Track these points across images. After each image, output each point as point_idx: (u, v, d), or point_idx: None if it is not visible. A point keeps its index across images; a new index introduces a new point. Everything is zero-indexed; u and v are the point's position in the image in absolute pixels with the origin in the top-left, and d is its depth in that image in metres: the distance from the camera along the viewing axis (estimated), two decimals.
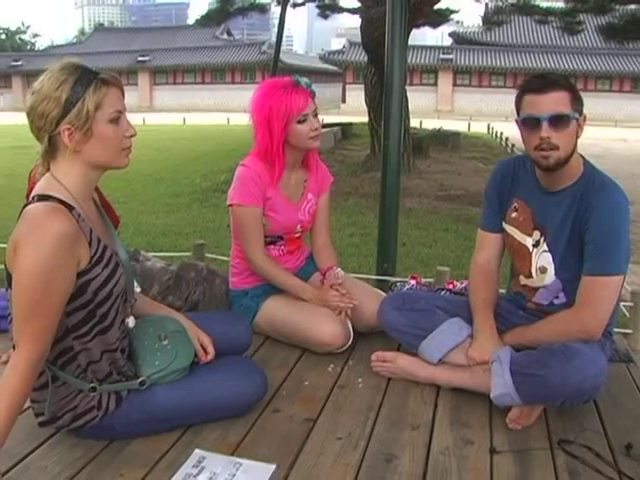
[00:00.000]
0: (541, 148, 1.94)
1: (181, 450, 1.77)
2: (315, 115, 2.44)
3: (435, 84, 40.97)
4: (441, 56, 40.29)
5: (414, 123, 17.75)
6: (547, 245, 2.10)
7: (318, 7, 18.94)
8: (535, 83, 1.97)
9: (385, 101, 3.92)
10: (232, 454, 1.76)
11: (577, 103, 1.95)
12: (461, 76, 40.55)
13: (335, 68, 42.62)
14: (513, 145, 15.07)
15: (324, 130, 15.90)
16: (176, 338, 1.85)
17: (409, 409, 2.05)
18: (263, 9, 16.18)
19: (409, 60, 36.77)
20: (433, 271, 3.78)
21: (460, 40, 41.70)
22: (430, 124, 20.17)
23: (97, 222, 1.68)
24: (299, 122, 2.38)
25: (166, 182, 10.11)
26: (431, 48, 42.41)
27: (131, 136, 1.64)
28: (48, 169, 1.60)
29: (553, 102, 1.91)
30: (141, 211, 7.75)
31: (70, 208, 1.54)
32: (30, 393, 1.56)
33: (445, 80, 40.76)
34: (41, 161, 1.60)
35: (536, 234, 2.13)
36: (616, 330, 3.04)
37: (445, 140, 14.98)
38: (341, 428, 1.91)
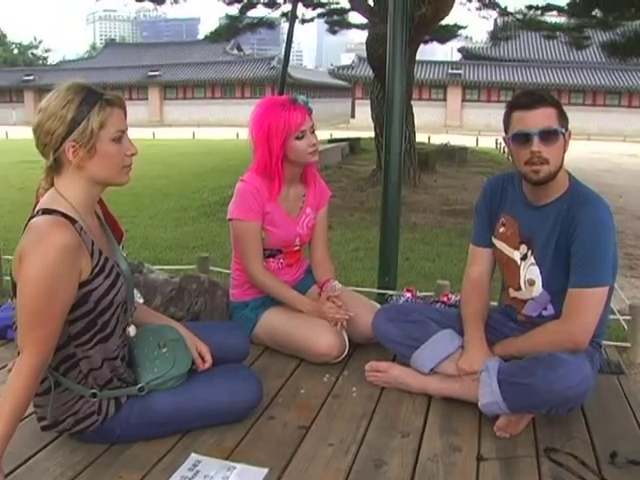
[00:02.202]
0: (532, 162, 2.01)
1: (178, 454, 1.84)
2: (313, 131, 2.52)
3: (444, 99, 41.12)
4: (450, 71, 40.45)
5: (423, 138, 17.90)
6: (534, 258, 2.17)
7: (327, 23, 19.15)
8: (524, 99, 2.04)
9: (386, 117, 4.00)
10: (227, 458, 1.83)
11: (563, 118, 2.03)
12: (470, 91, 40.70)
13: (344, 83, 42.87)
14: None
15: (331, 145, 16.07)
16: (174, 346, 1.92)
17: (401, 417, 2.11)
18: (272, 25, 16.40)
19: (418, 75, 36.88)
20: (435, 284, 3.84)
21: (469, 55, 41.91)
22: (438, 139, 20.26)
23: (99, 235, 1.77)
24: (297, 138, 2.47)
25: (174, 197, 10.22)
26: (440, 63, 42.59)
27: (132, 155, 1.73)
28: (52, 184, 1.69)
29: (542, 117, 1.99)
30: (149, 225, 7.86)
31: (73, 221, 1.63)
32: (32, 397, 1.64)
33: (454, 95, 40.91)
34: (45, 176, 1.69)
35: (523, 248, 2.20)
36: (613, 344, 3.10)
37: (452, 155, 15.04)
38: (333, 435, 1.98)
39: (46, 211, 1.62)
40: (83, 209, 1.69)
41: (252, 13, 16.24)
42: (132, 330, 1.85)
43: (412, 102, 10.97)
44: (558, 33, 16.53)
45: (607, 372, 2.48)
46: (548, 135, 1.98)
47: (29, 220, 1.64)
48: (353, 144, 17.95)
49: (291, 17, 11.87)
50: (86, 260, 1.64)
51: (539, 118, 1.98)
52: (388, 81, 3.96)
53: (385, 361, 2.38)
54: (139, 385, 1.84)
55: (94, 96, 1.65)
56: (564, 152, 2.06)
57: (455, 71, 40.32)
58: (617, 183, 13.42)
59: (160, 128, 35.12)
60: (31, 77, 46.74)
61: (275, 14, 16.38)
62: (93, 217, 1.78)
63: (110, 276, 1.71)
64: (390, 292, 3.63)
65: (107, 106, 1.66)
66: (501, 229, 2.27)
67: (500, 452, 1.89)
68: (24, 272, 1.56)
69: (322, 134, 20.82)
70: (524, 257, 2.20)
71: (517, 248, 2.21)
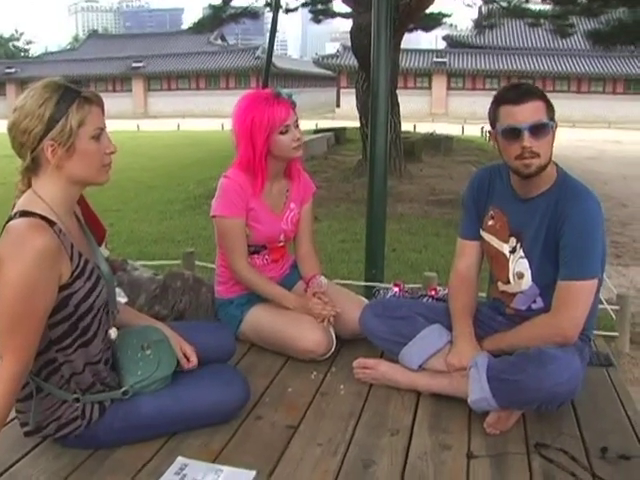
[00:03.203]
0: (523, 157, 1.99)
1: (164, 458, 1.81)
2: (297, 125, 2.48)
3: (429, 87, 41.04)
4: (434, 59, 40.35)
5: (408, 127, 17.84)
6: (523, 251, 2.15)
7: (311, 12, 19.01)
8: (511, 93, 2.02)
9: (371, 109, 3.97)
10: (214, 461, 1.80)
11: (551, 110, 2.01)
12: (455, 79, 40.65)
13: (329, 72, 42.67)
14: None
15: (317, 136, 16.00)
16: (158, 347, 1.89)
17: (389, 415, 2.09)
18: (256, 15, 16.24)
19: (402, 64, 36.73)
20: (422, 276, 3.82)
21: (454, 43, 41.79)
22: (424, 128, 20.23)
23: (78, 236, 1.72)
24: (281, 133, 2.43)
25: (159, 189, 10.14)
26: (424, 52, 42.47)
27: (111, 152, 1.68)
28: (29, 185, 1.64)
29: (531, 111, 1.97)
30: (134, 219, 7.79)
31: (51, 224, 1.58)
32: (13, 405, 1.60)
33: (439, 83, 40.84)
34: (21, 178, 1.64)
35: (512, 241, 2.18)
36: (602, 333, 3.09)
37: (438, 144, 15.02)
38: (322, 434, 1.95)
39: (24, 213, 1.57)
40: (62, 210, 1.65)
41: (236, 3, 16.12)
42: (113, 333, 1.80)
43: (397, 91, 10.94)
44: (542, 21, 16.52)
45: (596, 364, 2.46)
46: (538, 129, 1.96)
47: (6, 222, 1.59)
48: (339, 134, 17.88)
49: (275, 6, 11.78)
50: (66, 263, 1.60)
51: (528, 112, 1.96)
52: (373, 72, 3.92)
53: (373, 357, 2.36)
54: (123, 389, 1.80)
55: (72, 93, 1.60)
56: (552, 144, 2.04)
57: (440, 59, 40.22)
58: (602, 170, 13.49)
59: (145, 120, 34.82)
60: (13, 70, 46.10)
61: (259, 4, 16.28)
62: (72, 218, 1.73)
63: (90, 279, 1.67)
64: (379, 285, 3.61)
65: (85, 103, 1.61)
66: (490, 222, 2.25)
67: (490, 449, 1.88)
68: (2, 277, 1.51)
69: (308, 124, 20.85)
70: (513, 250, 2.18)
71: (506, 241, 2.19)
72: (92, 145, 1.63)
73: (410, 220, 7.69)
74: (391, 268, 5.27)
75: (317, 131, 18.49)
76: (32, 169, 1.62)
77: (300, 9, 18.88)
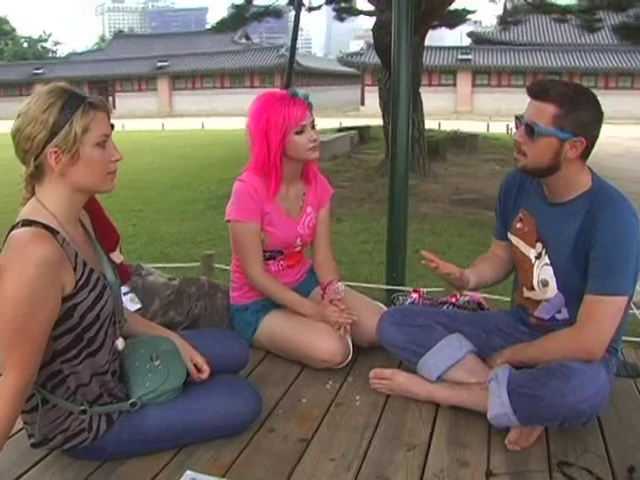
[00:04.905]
0: (515, 149, 1.95)
1: (173, 471, 1.77)
2: (313, 126, 2.42)
3: (454, 85, 40.66)
4: (459, 56, 39.95)
5: (433, 125, 17.66)
6: (549, 258, 2.05)
7: (334, 10, 18.90)
8: (534, 87, 1.93)
9: (392, 108, 3.88)
10: (224, 475, 1.75)
11: (565, 121, 1.85)
12: (480, 76, 40.20)
13: (354, 70, 42.52)
14: None
15: (340, 134, 15.91)
16: (168, 358, 1.84)
17: (406, 428, 2.01)
18: (279, 14, 16.17)
19: (427, 61, 36.46)
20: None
21: (479, 40, 41.33)
22: (449, 125, 20.03)
23: (84, 245, 1.68)
24: (297, 133, 2.37)
25: (182, 189, 10.14)
26: (449, 49, 42.06)
27: (116, 160, 1.63)
28: (33, 193, 1.60)
29: (534, 110, 1.89)
30: (155, 219, 7.79)
31: (54, 233, 1.54)
32: (17, 418, 1.56)
33: (464, 81, 40.43)
34: (25, 185, 1.60)
35: (538, 246, 2.08)
36: (629, 339, 2.97)
37: (462, 142, 14.82)
38: (335, 448, 1.89)
39: (26, 222, 1.54)
40: (66, 219, 1.61)
41: (258, 2, 16.08)
42: (120, 343, 1.76)
43: (422, 89, 10.81)
44: (569, 16, 16.18)
45: (623, 375, 2.36)
46: (528, 129, 1.88)
47: (9, 232, 1.56)
48: (363, 132, 17.75)
49: (297, 5, 11.72)
50: (69, 273, 1.55)
51: (532, 110, 1.89)
52: (393, 70, 3.84)
53: (391, 367, 2.29)
54: (131, 400, 1.76)
55: (77, 99, 1.56)
56: (558, 156, 1.89)
57: (465, 56, 39.80)
58: (631, 168, 13.19)
59: (169, 119, 35.00)
60: (41, 70, 46.67)
61: (281, 2, 16.21)
62: (77, 226, 1.69)
63: (95, 289, 1.63)
64: (398, 291, 3.53)
65: (91, 110, 1.57)
66: (518, 225, 2.16)
67: (511, 466, 1.80)
68: (3, 289, 1.47)
69: (332, 122, 20.76)
70: (538, 256, 2.08)
71: (533, 246, 2.09)
72: (97, 152, 1.58)
73: (433, 220, 7.58)
74: (413, 269, 5.18)
75: (341, 129, 18.38)
76: (36, 176, 1.58)
77: (324, 7, 18.81)
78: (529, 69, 37.10)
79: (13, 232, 1.54)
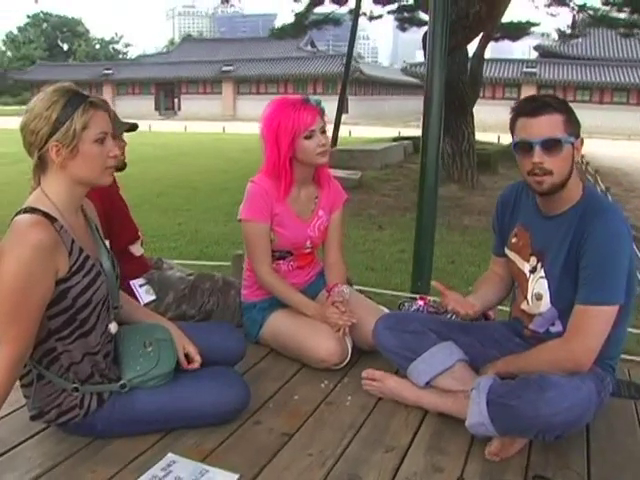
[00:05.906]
0: (534, 173, 1.91)
1: (156, 452, 1.86)
2: (323, 132, 2.49)
3: (518, 98, 40.02)
4: (524, 69, 39.22)
5: (492, 138, 17.41)
6: (544, 272, 2.05)
7: (397, 20, 18.93)
8: (528, 106, 1.94)
9: (424, 119, 3.92)
10: (203, 461, 1.82)
11: (572, 126, 1.90)
12: (545, 90, 39.20)
13: (417, 80, 42.37)
14: (587, 163, 14.51)
15: (393, 144, 15.89)
16: (160, 346, 1.94)
17: (390, 431, 2.04)
18: (338, 22, 16.35)
19: (491, 74, 36.07)
20: (469, 291, 3.72)
21: (545, 53, 40.50)
22: (509, 139, 19.69)
23: (83, 233, 1.79)
24: (306, 138, 2.44)
25: (231, 191, 10.34)
26: (514, 62, 41.35)
27: (115, 156, 1.75)
28: (39, 183, 1.73)
29: (545, 126, 1.88)
30: (201, 219, 8.00)
31: (53, 220, 1.66)
32: (10, 390, 1.67)
33: (528, 94, 39.47)
34: (32, 175, 1.73)
35: (533, 260, 2.09)
36: (635, 358, 2.87)
37: None
38: (315, 444, 1.94)
39: (28, 209, 1.66)
40: (66, 208, 1.73)
41: (320, 10, 16.29)
42: (113, 327, 1.87)
43: (484, 101, 10.74)
44: (635, 30, 15.75)
45: (625, 396, 2.32)
46: (550, 145, 1.86)
47: (14, 217, 1.68)
48: (417, 142, 17.66)
49: (355, 14, 11.82)
50: (64, 258, 1.67)
51: (542, 127, 1.87)
52: (426, 83, 3.88)
53: (389, 371, 2.31)
54: (121, 382, 1.86)
55: (79, 98, 1.69)
56: (573, 161, 1.94)
57: (530, 69, 39.03)
58: None
59: (232, 122, 35.65)
60: (110, 71, 48.35)
61: (343, 10, 16.36)
62: (77, 216, 1.81)
63: (90, 274, 1.74)
64: (406, 295, 3.56)
65: (91, 108, 1.69)
66: (513, 239, 2.18)
67: (485, 476, 1.80)
68: (2, 269, 1.60)
69: (391, 131, 20.62)
70: (533, 270, 2.09)
71: (527, 260, 2.11)
72: (95, 148, 1.70)
73: (474, 232, 7.51)
74: (446, 280, 5.14)
75: (396, 139, 18.37)
76: (40, 168, 1.72)
77: (391, 17, 18.84)
78: (596, 84, 36.16)
79: (16, 217, 1.67)
